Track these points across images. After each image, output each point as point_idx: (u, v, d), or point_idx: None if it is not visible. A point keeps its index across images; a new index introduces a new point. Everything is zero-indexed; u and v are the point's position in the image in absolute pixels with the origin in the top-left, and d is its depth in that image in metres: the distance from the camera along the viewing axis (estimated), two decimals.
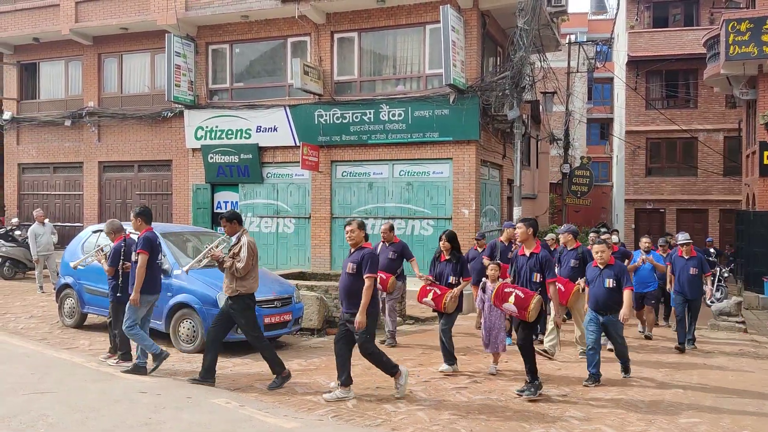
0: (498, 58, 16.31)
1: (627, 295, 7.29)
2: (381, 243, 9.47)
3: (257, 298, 8.55)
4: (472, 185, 14.19)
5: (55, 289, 13.84)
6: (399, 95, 14.73)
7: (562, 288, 8.45)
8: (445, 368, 7.71)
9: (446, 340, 7.74)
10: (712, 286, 10.06)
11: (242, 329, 7.07)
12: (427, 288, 7.89)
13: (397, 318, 10.01)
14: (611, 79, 36.58)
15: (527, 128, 15.18)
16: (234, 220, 7.08)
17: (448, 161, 14.45)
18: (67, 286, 10.04)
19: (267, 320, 8.53)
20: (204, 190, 16.61)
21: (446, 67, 13.34)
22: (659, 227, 25.03)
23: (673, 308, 11.67)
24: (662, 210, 25.51)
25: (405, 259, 9.40)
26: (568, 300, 8.72)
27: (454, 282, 7.85)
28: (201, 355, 7.88)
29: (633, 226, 25.34)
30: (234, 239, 7.07)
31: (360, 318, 6.17)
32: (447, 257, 8.04)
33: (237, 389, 6.62)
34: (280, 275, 10.71)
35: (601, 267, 7.47)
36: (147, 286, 7.23)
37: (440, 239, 8.18)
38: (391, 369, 6.50)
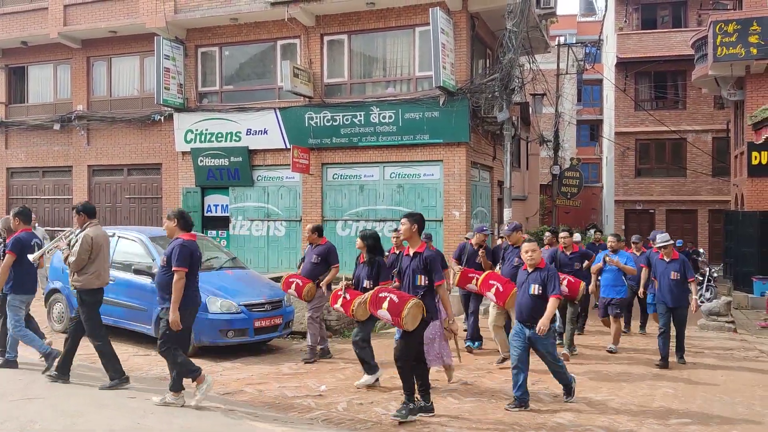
0: (487, 61, 16.35)
1: (551, 303, 6.31)
2: (308, 246, 8.94)
3: (248, 302, 8.59)
4: (463, 187, 14.21)
5: (44, 293, 13.80)
6: (389, 97, 14.73)
7: (500, 287, 7.71)
8: (364, 380, 7.04)
9: (358, 352, 7.08)
10: (697, 295, 9.18)
11: (83, 323, 6.88)
12: (338, 293, 7.18)
13: (323, 330, 8.89)
14: (600, 81, 36.74)
15: (517, 130, 15.23)
16: (83, 212, 6.93)
17: (439, 163, 14.46)
18: (56, 290, 9.99)
19: (258, 324, 8.52)
20: (194, 194, 16.55)
21: (436, 70, 13.36)
22: (649, 228, 25.13)
23: (650, 315, 11.39)
24: (652, 211, 25.67)
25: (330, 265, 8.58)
26: (506, 302, 7.83)
27: (369, 287, 6.98)
28: (192, 359, 7.88)
29: (623, 226, 25.47)
30: (77, 232, 6.89)
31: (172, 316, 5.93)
32: (365, 259, 7.33)
33: (227, 393, 6.59)
34: (271, 278, 10.70)
35: (530, 270, 6.53)
36: (20, 287, 7.29)
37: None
38: (190, 373, 6.08)
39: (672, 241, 9.11)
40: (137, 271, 8.74)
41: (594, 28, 37.38)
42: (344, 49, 15.37)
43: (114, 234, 9.55)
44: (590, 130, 39.92)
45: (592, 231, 21.64)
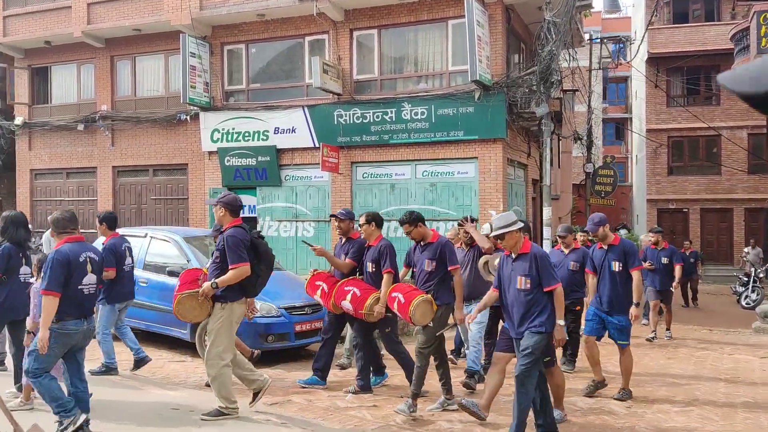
0: (520, 55, 15.84)
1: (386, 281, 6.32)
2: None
3: (287, 305, 8.16)
4: (499, 185, 13.71)
5: None
6: (421, 93, 14.26)
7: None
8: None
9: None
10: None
11: None
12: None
13: None
14: (626, 78, 36.03)
15: (555, 125, 14.68)
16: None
17: (474, 161, 13.96)
18: None
19: (298, 328, 8.08)
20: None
21: (471, 63, 12.87)
22: (683, 227, 24.50)
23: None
24: (685, 210, 24.95)
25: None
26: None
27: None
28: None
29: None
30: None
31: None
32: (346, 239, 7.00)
33: (274, 404, 6.14)
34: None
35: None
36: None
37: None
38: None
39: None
40: (171, 273, 8.33)
41: (619, 25, 36.64)
42: (374, 45, 14.93)
43: (146, 234, 9.19)
44: (616, 129, 39.19)
45: (622, 231, 21.03)
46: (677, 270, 10.93)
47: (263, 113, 15.56)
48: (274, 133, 15.49)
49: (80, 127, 17.64)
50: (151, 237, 9.06)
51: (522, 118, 14.32)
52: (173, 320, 8.34)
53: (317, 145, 14.77)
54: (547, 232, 13.62)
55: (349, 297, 6.27)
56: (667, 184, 25.08)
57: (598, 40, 19.86)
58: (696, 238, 23.30)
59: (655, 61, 24.81)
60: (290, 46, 15.85)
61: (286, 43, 15.86)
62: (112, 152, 17.53)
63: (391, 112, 14.35)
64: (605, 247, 6.67)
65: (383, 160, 14.74)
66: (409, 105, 14.17)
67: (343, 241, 7.05)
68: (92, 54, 17.63)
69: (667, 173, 25.15)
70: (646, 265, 10.55)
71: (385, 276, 6.31)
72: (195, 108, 16.07)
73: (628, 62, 19.29)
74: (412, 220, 6.24)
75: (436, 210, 14.29)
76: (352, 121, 14.72)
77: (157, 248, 8.90)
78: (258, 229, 5.68)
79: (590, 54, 18.76)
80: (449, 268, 6.03)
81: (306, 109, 15.13)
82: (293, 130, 15.33)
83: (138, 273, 8.83)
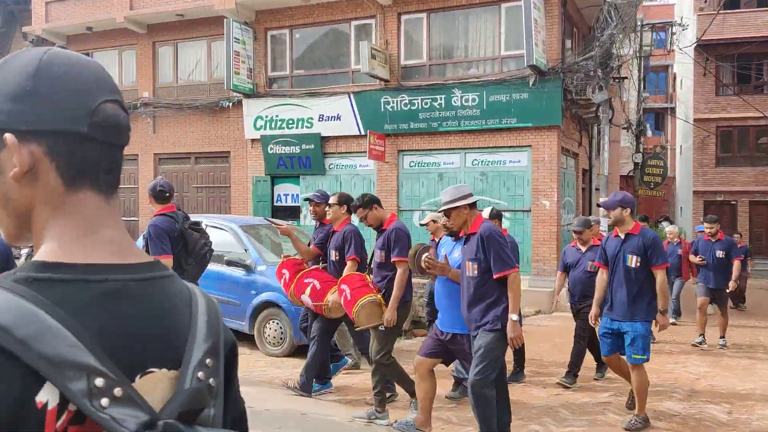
0: (573, 40, 15.28)
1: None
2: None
3: None
4: (553, 175, 13.22)
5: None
6: (472, 79, 13.80)
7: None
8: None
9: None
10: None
11: None
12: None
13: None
14: (667, 67, 35.03)
15: (614, 112, 14.13)
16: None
17: (527, 149, 13.49)
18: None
19: None
20: (264, 183, 15.91)
21: (528, 47, 12.37)
22: (730, 220, 23.69)
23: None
24: (734, 202, 24.13)
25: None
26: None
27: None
28: (289, 360, 7.21)
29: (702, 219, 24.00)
30: None
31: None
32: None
33: (348, 403, 5.81)
34: None
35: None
36: None
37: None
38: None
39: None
40: (230, 263, 8.04)
41: (661, 12, 35.64)
42: (423, 29, 14.49)
43: (201, 222, 8.90)
44: (656, 119, 38.22)
45: (664, 224, 20.36)
46: (735, 266, 9.61)
47: (307, 100, 15.23)
48: (319, 120, 15.16)
49: None
50: (207, 225, 8.75)
51: (577, 105, 13.81)
52: (232, 311, 8.10)
53: (363, 133, 14.42)
54: (603, 224, 13.09)
55: (308, 291, 5.73)
56: (714, 175, 24.27)
57: (649, 26, 19.16)
58: (744, 232, 22.50)
59: (704, 48, 23.93)
60: (335, 31, 15.48)
61: (331, 28, 15.49)
62: (153, 140, 17.35)
63: (441, 98, 13.93)
64: (621, 236, 5.38)
65: (431, 148, 14.34)
66: (460, 91, 13.73)
67: (317, 226, 6.53)
68: (134, 40, 17.44)
69: (715, 164, 24.32)
70: (697, 259, 9.75)
71: (348, 264, 5.66)
72: (238, 95, 15.80)
73: (681, 49, 18.53)
74: (366, 202, 5.51)
75: (487, 200, 13.83)
76: (399, 108, 14.33)
77: (213, 237, 8.59)
78: (196, 221, 4.95)
79: (641, 39, 18.10)
80: (392, 260, 5.32)
81: (352, 96, 14.76)
82: (338, 118, 14.99)
83: None
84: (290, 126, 15.44)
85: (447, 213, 4.42)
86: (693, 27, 24.18)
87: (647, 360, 5.27)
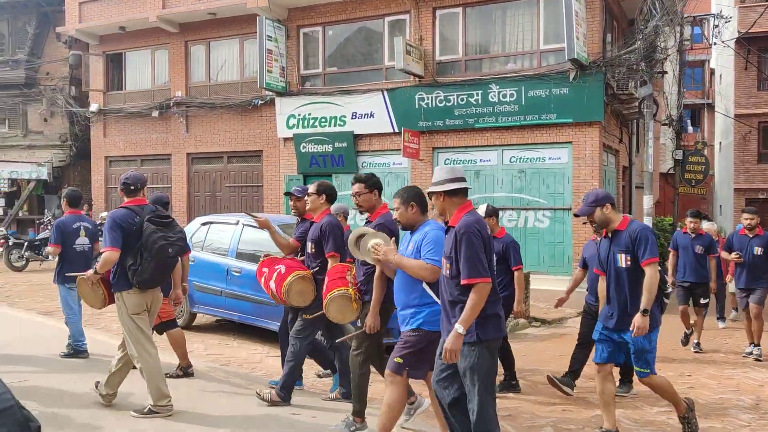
0: (613, 34, 14.84)
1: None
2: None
3: None
4: (595, 172, 12.81)
5: None
6: (510, 74, 13.45)
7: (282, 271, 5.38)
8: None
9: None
10: None
11: None
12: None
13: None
14: (703, 62, 34.15)
15: (658, 107, 13.67)
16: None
17: (567, 145, 13.10)
18: None
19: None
20: (296, 182, 15.72)
21: (569, 40, 11.99)
22: None
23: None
24: None
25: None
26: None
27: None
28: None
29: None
30: None
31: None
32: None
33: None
34: None
35: None
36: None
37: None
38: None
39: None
40: None
41: (697, 6, 34.76)
42: (458, 24, 14.18)
43: (238, 222, 8.74)
44: (692, 115, 37.30)
45: (703, 222, 19.74)
46: None
47: (340, 98, 15.02)
48: (352, 118, 14.94)
49: (155, 113, 17.49)
50: (244, 224, 8.59)
51: (618, 100, 13.39)
52: (269, 312, 7.89)
53: (397, 131, 14.17)
54: (647, 222, 12.68)
55: (275, 276, 5.33)
56: (756, 172, 23.56)
57: (690, 19, 18.57)
58: None
59: (745, 41, 23.22)
60: (368, 27, 15.25)
61: (364, 25, 15.27)
62: (186, 139, 17.31)
63: (477, 94, 13.61)
64: (610, 235, 4.83)
65: (467, 145, 14.03)
66: (497, 86, 13.39)
67: (298, 220, 6.09)
68: (166, 39, 17.41)
69: (757, 161, 23.62)
70: (732, 256, 8.34)
71: (329, 261, 5.27)
72: (270, 93, 15.65)
73: (724, 42, 17.91)
74: (372, 183, 5.01)
75: (525, 198, 13.50)
76: (434, 105, 14.04)
77: (250, 236, 8.42)
78: (164, 215, 4.71)
79: (681, 32, 17.53)
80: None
81: (385, 93, 14.52)
82: (371, 115, 14.75)
83: (231, 262, 8.42)
84: (323, 124, 15.25)
85: (430, 196, 3.94)
86: (734, 20, 23.48)
87: (653, 373, 4.75)
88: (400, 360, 4.09)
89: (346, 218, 7.05)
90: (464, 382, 3.71)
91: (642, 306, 4.54)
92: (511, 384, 6.25)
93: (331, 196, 5.56)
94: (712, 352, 8.50)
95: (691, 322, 8.61)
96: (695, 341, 8.53)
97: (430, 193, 3.92)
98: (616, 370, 5.44)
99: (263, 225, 5.86)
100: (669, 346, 8.39)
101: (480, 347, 3.65)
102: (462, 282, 3.65)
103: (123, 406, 5.19)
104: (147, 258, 4.85)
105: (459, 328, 3.57)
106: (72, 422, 4.87)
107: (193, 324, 9.19)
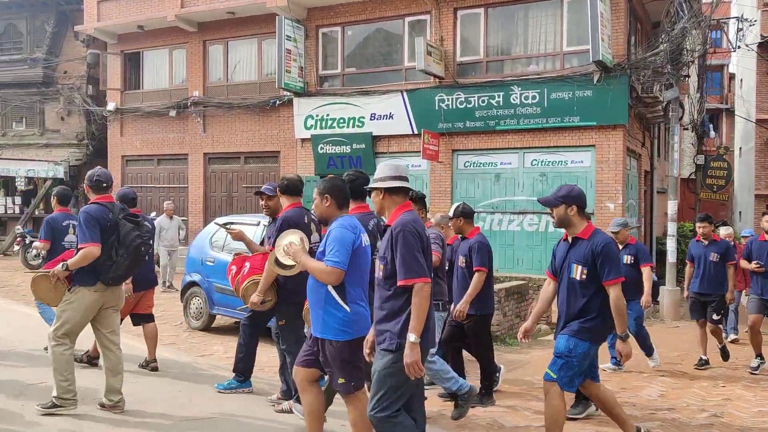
0: (637, 36, 14.62)
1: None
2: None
3: None
4: (619, 176, 12.60)
5: (166, 286, 13.18)
6: (532, 76, 13.27)
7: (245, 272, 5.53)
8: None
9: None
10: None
11: None
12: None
13: None
14: (722, 67, 33.77)
15: (684, 110, 13.44)
16: None
17: (590, 149, 12.89)
18: (193, 284, 9.11)
19: None
20: (313, 183, 15.57)
21: (593, 42, 11.80)
22: None
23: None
24: None
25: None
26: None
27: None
28: None
29: None
30: None
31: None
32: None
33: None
34: None
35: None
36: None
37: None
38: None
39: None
40: None
41: (717, 9, 34.40)
42: (480, 24, 14.02)
43: (258, 222, 8.67)
44: (710, 120, 36.92)
45: (721, 228, 19.42)
46: None
47: (359, 99, 14.90)
48: (370, 119, 14.81)
49: (172, 113, 17.43)
50: (264, 226, 8.46)
51: (642, 104, 13.17)
52: None
53: (416, 132, 14.03)
54: (672, 228, 12.45)
55: (239, 276, 5.46)
56: None
57: (713, 22, 18.31)
58: None
59: (767, 45, 22.88)
60: (388, 27, 15.11)
61: (383, 25, 15.13)
62: (203, 139, 17.24)
63: (498, 96, 13.43)
64: (569, 240, 4.45)
65: (488, 147, 13.86)
66: (519, 88, 13.21)
67: (270, 221, 5.93)
68: (185, 38, 17.36)
69: None
70: (753, 265, 7.61)
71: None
72: (288, 94, 15.55)
73: (748, 46, 17.65)
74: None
75: None
76: (454, 106, 13.88)
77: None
78: (134, 213, 4.64)
79: (705, 36, 17.25)
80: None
81: (405, 94, 14.38)
82: (390, 116, 14.62)
83: None
84: (341, 125, 15.13)
85: (369, 192, 3.85)
86: (757, 23, 23.15)
87: (556, 381, 4.25)
88: (342, 380, 3.89)
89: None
90: (372, 381, 3.58)
91: (619, 332, 4.26)
92: (483, 394, 5.90)
93: (295, 191, 5.42)
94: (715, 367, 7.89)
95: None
96: (702, 356, 7.83)
97: (370, 189, 3.80)
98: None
99: (237, 237, 5.90)
100: (691, 360, 8.03)
101: (398, 354, 3.48)
102: (399, 283, 3.48)
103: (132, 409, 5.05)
104: (123, 255, 4.94)
105: (411, 337, 3.41)
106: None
107: (213, 326, 9.08)
